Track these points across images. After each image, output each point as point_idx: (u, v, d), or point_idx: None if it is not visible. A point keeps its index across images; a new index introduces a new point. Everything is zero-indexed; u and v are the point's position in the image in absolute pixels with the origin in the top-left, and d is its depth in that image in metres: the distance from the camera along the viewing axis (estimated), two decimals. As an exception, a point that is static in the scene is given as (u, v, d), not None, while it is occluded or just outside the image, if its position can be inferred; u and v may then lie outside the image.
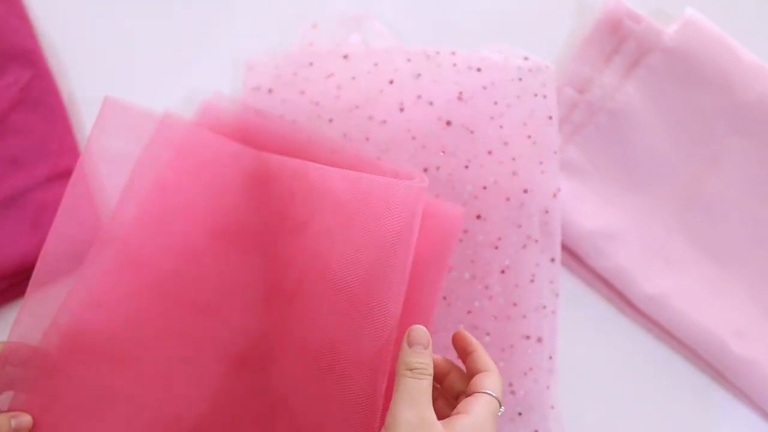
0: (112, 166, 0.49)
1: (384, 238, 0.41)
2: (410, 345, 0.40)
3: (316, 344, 0.43)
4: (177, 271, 0.48)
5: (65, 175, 0.58)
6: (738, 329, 0.60)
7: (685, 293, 0.60)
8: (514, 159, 0.55)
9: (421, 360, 0.39)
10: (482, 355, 0.44)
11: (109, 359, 0.47)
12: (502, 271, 0.54)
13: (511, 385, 0.54)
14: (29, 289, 0.47)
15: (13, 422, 0.45)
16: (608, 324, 0.62)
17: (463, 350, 0.45)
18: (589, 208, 0.61)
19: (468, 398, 0.40)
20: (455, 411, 0.40)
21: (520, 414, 0.53)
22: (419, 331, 0.40)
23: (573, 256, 0.62)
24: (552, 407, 0.55)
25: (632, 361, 0.61)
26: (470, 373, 0.43)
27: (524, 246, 0.54)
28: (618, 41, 0.63)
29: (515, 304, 0.54)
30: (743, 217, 0.62)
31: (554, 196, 0.55)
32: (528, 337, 0.54)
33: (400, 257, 0.41)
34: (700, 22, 0.61)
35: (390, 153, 0.54)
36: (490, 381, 0.42)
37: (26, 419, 0.45)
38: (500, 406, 0.41)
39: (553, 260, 0.55)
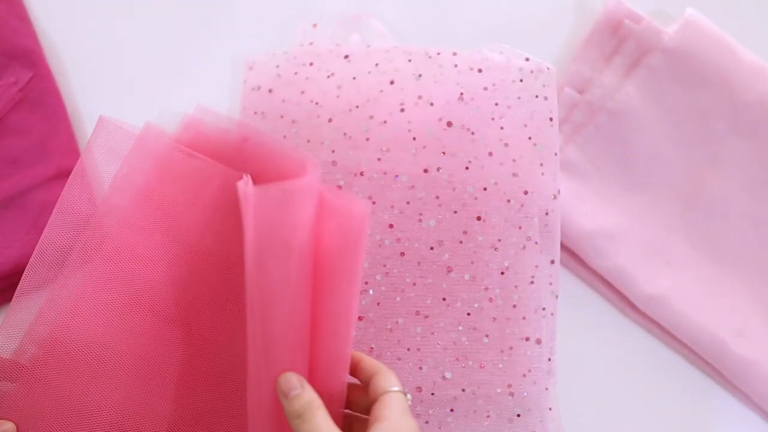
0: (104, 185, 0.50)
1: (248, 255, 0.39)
2: (286, 395, 0.39)
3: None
4: (154, 284, 0.49)
5: (65, 175, 0.58)
6: (738, 329, 0.60)
7: (685, 293, 0.60)
8: (514, 160, 0.55)
9: (302, 402, 0.38)
10: (368, 361, 0.43)
11: (86, 369, 0.48)
12: (502, 273, 0.54)
13: (510, 386, 0.54)
14: (13, 300, 0.48)
15: None
16: (608, 324, 0.62)
17: (351, 367, 0.44)
18: (589, 208, 0.61)
19: (374, 407, 0.40)
20: (369, 424, 0.39)
21: (518, 415, 0.54)
22: (285, 379, 0.39)
23: (573, 256, 0.62)
24: (550, 409, 0.55)
25: (632, 361, 0.61)
26: (365, 383, 0.43)
27: (524, 247, 0.54)
28: (618, 41, 0.63)
29: (515, 306, 0.54)
30: (743, 217, 0.62)
31: (554, 197, 0.55)
32: (527, 339, 0.54)
33: (269, 269, 0.39)
34: (700, 22, 0.61)
35: (390, 153, 0.54)
36: (386, 379, 0.41)
37: (10, 427, 0.45)
38: (406, 395, 0.41)
39: (552, 262, 0.55)
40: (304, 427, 0.37)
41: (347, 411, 0.45)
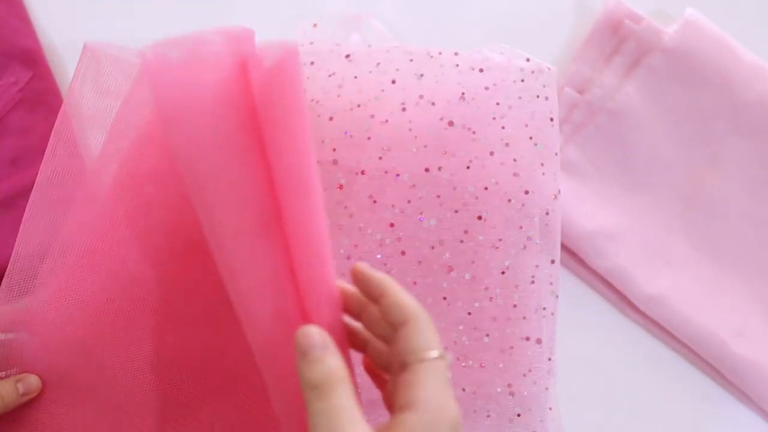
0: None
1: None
2: (304, 355, 0.31)
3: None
4: (163, 228, 0.48)
5: (66, 174, 0.58)
6: (738, 329, 0.60)
7: (685, 293, 0.60)
8: (515, 160, 0.55)
9: (322, 369, 0.31)
10: (398, 298, 0.34)
11: (104, 318, 0.47)
12: (503, 272, 0.54)
13: (510, 386, 0.54)
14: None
15: (20, 386, 0.43)
16: (608, 324, 0.62)
17: (371, 296, 0.35)
18: (589, 208, 0.61)
19: (404, 377, 0.32)
20: (396, 404, 0.32)
21: (519, 415, 0.53)
22: (305, 333, 0.32)
23: (573, 256, 0.62)
24: (550, 408, 0.55)
25: (632, 361, 0.61)
26: (390, 325, 0.34)
27: (524, 247, 0.54)
28: (618, 41, 0.63)
29: (515, 306, 0.54)
30: (743, 217, 0.62)
31: (554, 198, 0.55)
32: (528, 339, 0.54)
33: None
34: (700, 22, 0.61)
35: (392, 152, 0.54)
36: (420, 336, 0.33)
37: (33, 380, 0.44)
38: (445, 359, 0.33)
39: (553, 261, 0.55)
40: (319, 405, 0.30)
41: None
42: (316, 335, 0.32)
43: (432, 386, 0.31)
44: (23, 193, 0.57)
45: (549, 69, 0.56)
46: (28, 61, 0.60)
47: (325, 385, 0.30)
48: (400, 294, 0.34)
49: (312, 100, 0.57)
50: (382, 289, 0.34)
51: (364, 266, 0.35)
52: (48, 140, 0.59)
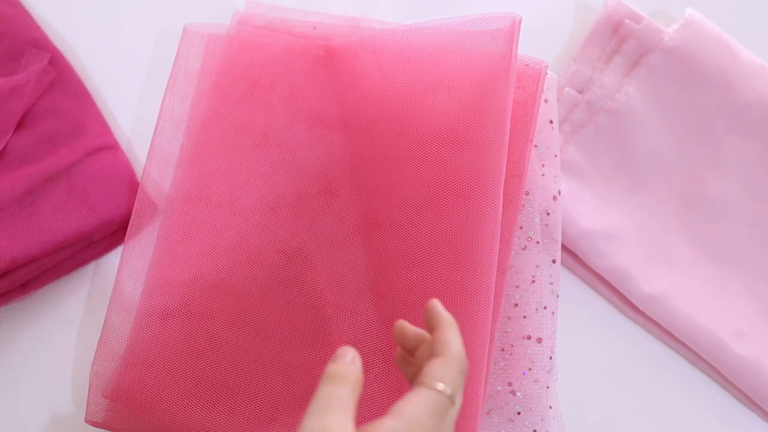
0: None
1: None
2: (334, 358, 0.36)
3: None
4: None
5: (104, 147, 0.59)
6: (738, 329, 0.60)
7: (685, 293, 0.60)
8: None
9: (340, 367, 0.35)
10: (443, 335, 0.36)
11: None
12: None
13: (510, 384, 0.54)
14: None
15: None
16: (608, 324, 0.62)
17: (428, 327, 0.38)
18: (589, 209, 0.61)
19: (407, 394, 0.34)
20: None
21: (519, 413, 0.54)
22: (340, 350, 0.36)
23: (573, 256, 0.62)
24: (551, 407, 0.55)
25: (632, 361, 0.61)
26: (432, 357, 0.36)
27: (525, 247, 0.55)
28: (618, 41, 0.63)
29: (516, 305, 0.54)
30: (743, 217, 0.62)
31: (555, 198, 0.55)
32: (528, 338, 0.54)
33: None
34: (700, 22, 0.61)
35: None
36: (439, 369, 0.35)
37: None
38: (453, 402, 0.34)
39: (553, 261, 0.56)
40: (324, 388, 0.34)
41: None
42: (346, 352, 0.36)
43: (420, 406, 0.33)
44: (67, 169, 0.57)
45: (549, 72, 0.56)
46: (43, 45, 0.61)
47: (336, 377, 0.34)
48: (450, 333, 0.37)
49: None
50: (438, 322, 0.37)
51: (436, 302, 0.38)
52: (77, 117, 0.60)
